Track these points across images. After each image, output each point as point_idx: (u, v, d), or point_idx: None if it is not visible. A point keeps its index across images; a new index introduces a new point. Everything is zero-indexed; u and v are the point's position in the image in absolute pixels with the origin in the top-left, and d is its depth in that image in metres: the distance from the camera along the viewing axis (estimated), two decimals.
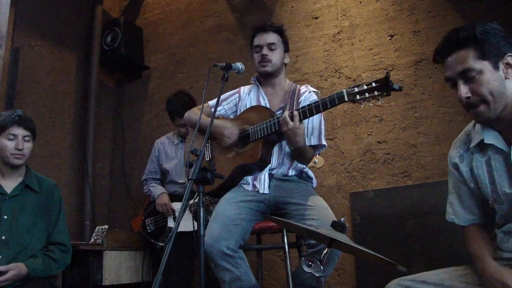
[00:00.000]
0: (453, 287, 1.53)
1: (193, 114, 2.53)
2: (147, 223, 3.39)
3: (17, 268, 2.13)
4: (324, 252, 1.51)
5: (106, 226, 3.49)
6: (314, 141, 2.30)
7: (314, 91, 2.44)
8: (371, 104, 1.86)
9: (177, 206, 3.29)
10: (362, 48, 3.51)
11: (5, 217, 2.24)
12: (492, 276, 1.44)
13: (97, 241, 3.38)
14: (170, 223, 3.27)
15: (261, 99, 2.42)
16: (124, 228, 3.93)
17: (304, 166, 2.38)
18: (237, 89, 2.55)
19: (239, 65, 2.19)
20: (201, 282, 1.58)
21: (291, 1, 3.91)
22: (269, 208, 2.24)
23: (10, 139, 2.28)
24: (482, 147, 1.54)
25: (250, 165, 2.23)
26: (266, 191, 2.22)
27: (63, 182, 3.89)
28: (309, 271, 1.48)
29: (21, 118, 2.32)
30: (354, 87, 1.88)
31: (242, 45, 3.97)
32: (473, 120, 1.62)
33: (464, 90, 1.43)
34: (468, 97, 1.43)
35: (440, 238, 2.86)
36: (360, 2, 3.61)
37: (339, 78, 3.56)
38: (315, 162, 2.99)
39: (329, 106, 1.98)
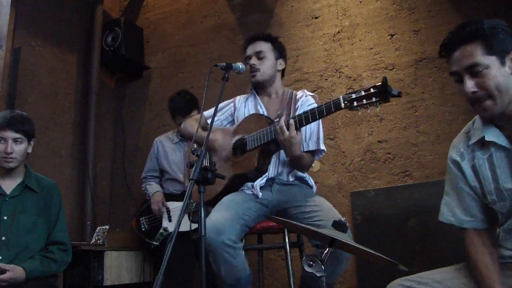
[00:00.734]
0: (454, 287, 1.53)
1: (189, 126, 2.52)
2: (141, 221, 3.40)
3: (14, 270, 2.12)
4: (325, 251, 1.51)
5: (107, 226, 3.50)
6: (312, 146, 2.28)
7: (311, 95, 2.42)
8: (369, 111, 1.79)
9: (173, 205, 3.29)
10: (363, 48, 3.51)
11: (5, 217, 2.24)
12: None
13: (98, 242, 3.39)
14: (165, 223, 3.27)
15: (258, 108, 2.41)
16: (125, 228, 3.93)
17: (304, 175, 2.37)
18: (232, 99, 2.55)
19: (240, 65, 2.19)
20: (202, 283, 1.58)
21: (291, 1, 3.91)
22: (273, 212, 2.24)
23: (0, 142, 2.25)
24: (483, 144, 1.54)
25: (246, 175, 2.22)
26: (260, 196, 2.22)
27: (64, 182, 3.89)
28: (310, 271, 1.47)
29: (10, 120, 2.26)
30: (351, 93, 1.81)
31: (243, 45, 3.96)
32: (472, 119, 1.61)
33: (470, 84, 1.43)
34: (475, 92, 1.43)
35: (441, 237, 2.85)
36: (360, 2, 3.61)
37: (339, 77, 3.56)
38: (311, 166, 2.99)
39: (325, 114, 1.93)
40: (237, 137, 2.31)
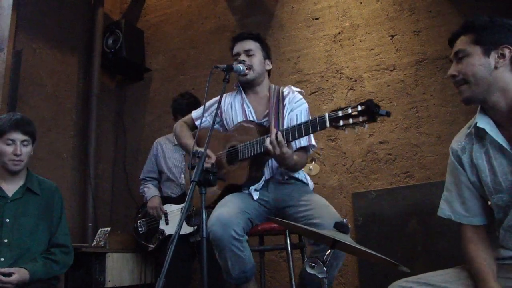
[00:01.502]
0: None
1: (180, 132, 2.49)
2: (139, 224, 3.40)
3: (19, 273, 2.13)
4: (327, 253, 1.51)
5: (109, 228, 3.50)
6: (304, 143, 2.27)
7: (297, 91, 2.42)
8: (356, 130, 1.72)
9: (170, 208, 3.29)
10: (363, 49, 3.51)
11: (7, 220, 2.24)
12: None
13: (100, 243, 3.39)
14: (162, 225, 3.28)
15: (245, 107, 2.39)
16: (126, 230, 3.93)
17: (298, 174, 2.36)
18: (217, 98, 2.51)
19: (240, 66, 2.19)
20: (204, 284, 1.58)
21: (292, 2, 3.91)
22: (271, 212, 2.25)
23: (8, 144, 2.25)
24: (480, 137, 1.56)
25: (239, 186, 2.25)
26: (256, 197, 2.23)
27: (65, 184, 3.90)
28: (312, 272, 1.47)
29: (19, 122, 2.27)
30: (337, 110, 1.76)
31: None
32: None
33: (452, 69, 1.56)
34: (453, 75, 1.56)
35: (443, 238, 2.85)
36: (361, 3, 3.61)
37: (340, 78, 3.56)
38: (310, 169, 3.00)
39: (310, 131, 1.91)
40: (229, 145, 2.32)
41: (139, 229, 3.38)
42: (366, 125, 1.69)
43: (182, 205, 3.14)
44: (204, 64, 4.21)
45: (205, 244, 1.62)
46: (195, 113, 2.51)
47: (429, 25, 3.33)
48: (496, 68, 1.48)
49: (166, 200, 3.34)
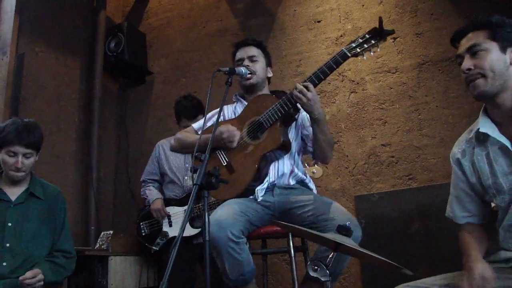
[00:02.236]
0: None
1: (183, 136, 2.46)
2: (141, 226, 3.40)
3: (39, 273, 2.13)
4: (330, 256, 1.50)
5: (111, 232, 3.50)
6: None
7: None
8: (372, 53, 2.03)
9: (174, 210, 3.29)
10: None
11: (10, 224, 2.24)
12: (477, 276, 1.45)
13: (102, 247, 3.39)
14: (165, 227, 3.28)
15: None
16: (129, 233, 3.93)
17: (305, 177, 2.37)
18: (218, 109, 2.49)
19: (243, 69, 2.18)
20: (207, 287, 1.57)
21: (294, 5, 3.91)
22: (276, 215, 2.24)
23: (10, 156, 2.23)
24: (481, 141, 1.58)
25: (274, 151, 2.22)
26: (261, 198, 2.22)
27: (68, 188, 3.90)
28: (314, 276, 1.47)
29: (22, 134, 2.22)
30: (351, 43, 2.07)
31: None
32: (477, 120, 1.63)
33: (467, 63, 1.53)
34: (469, 69, 1.52)
35: (445, 240, 2.84)
36: (363, 5, 3.61)
37: (342, 81, 3.56)
38: (313, 173, 2.99)
39: (335, 67, 2.10)
40: (247, 123, 2.30)
41: (142, 231, 3.38)
42: (380, 45, 2.02)
43: (186, 207, 3.14)
44: (206, 67, 4.21)
45: (207, 247, 1.62)
46: (196, 125, 2.51)
47: (431, 27, 3.32)
48: (511, 65, 1.50)
49: (169, 202, 3.34)
